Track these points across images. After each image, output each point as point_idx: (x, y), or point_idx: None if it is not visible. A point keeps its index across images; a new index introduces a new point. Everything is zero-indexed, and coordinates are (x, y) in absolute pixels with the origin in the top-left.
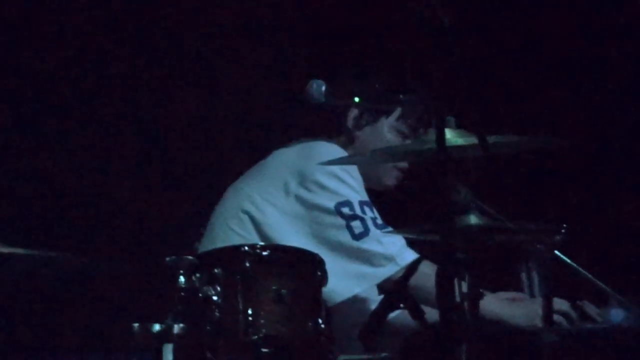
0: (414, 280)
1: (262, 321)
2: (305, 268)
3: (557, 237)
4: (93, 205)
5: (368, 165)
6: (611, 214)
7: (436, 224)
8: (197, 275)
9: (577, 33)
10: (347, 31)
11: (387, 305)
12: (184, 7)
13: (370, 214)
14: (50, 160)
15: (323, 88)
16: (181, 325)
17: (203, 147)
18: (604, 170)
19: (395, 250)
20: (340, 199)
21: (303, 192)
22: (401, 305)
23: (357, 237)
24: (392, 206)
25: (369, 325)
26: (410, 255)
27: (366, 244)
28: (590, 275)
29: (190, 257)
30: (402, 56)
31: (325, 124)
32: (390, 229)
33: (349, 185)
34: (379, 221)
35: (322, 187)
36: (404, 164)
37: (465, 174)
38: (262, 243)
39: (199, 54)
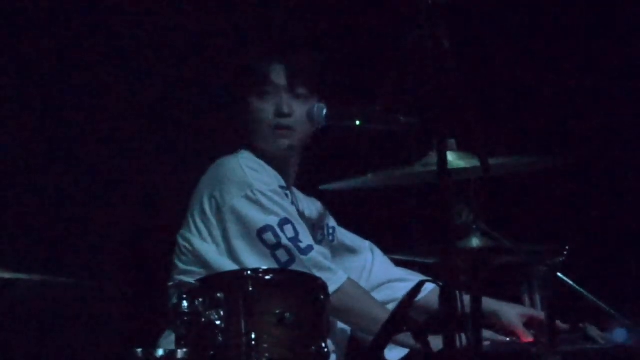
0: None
1: (265, 345)
2: (308, 292)
3: (560, 259)
4: (95, 228)
5: (252, 133)
6: (614, 235)
7: (438, 246)
8: (200, 299)
9: (576, 51)
10: (347, 54)
11: (391, 327)
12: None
13: (291, 233)
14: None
15: (324, 111)
16: (184, 350)
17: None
18: (607, 191)
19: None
20: (260, 225)
21: (225, 223)
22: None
23: (283, 265)
24: (395, 229)
25: (373, 346)
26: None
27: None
28: (592, 297)
29: (192, 282)
30: (402, 78)
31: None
32: (312, 244)
33: (266, 208)
34: (302, 241)
35: (239, 216)
36: (278, 120)
37: (467, 196)
38: (264, 267)
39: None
